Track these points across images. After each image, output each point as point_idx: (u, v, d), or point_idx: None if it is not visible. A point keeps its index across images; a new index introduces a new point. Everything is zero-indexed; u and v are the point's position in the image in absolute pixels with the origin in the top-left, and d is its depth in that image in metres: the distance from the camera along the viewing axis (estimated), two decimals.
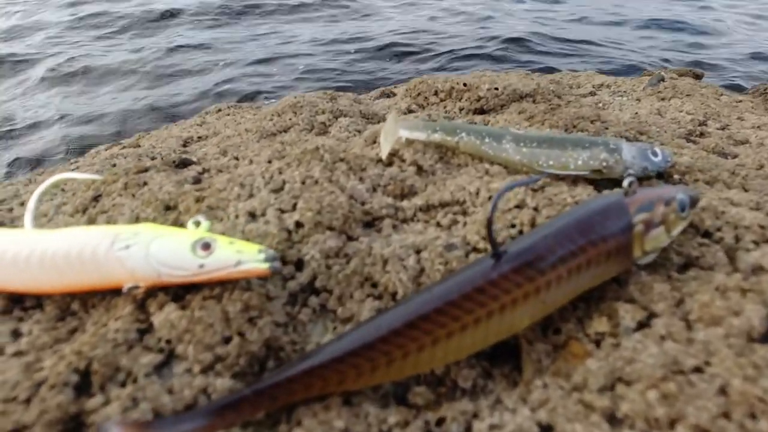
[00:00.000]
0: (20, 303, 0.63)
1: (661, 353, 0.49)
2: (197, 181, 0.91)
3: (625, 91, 1.96)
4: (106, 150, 1.68)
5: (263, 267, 0.57)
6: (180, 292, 0.59)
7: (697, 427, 0.42)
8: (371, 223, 0.78)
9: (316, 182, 0.80)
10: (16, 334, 0.58)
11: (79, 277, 0.58)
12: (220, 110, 2.03)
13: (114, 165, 1.24)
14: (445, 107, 1.49)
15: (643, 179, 0.87)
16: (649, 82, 1.96)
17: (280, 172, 0.83)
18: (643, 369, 0.48)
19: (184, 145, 1.48)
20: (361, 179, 0.85)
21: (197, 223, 0.62)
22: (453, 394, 0.55)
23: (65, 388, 0.48)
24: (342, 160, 0.87)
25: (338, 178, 0.82)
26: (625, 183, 0.62)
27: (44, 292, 0.61)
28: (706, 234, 0.70)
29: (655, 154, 0.88)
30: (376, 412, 0.50)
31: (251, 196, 0.78)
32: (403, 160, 0.91)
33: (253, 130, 1.33)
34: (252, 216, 0.73)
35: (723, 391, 0.45)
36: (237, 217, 0.73)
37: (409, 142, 0.95)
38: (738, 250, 0.67)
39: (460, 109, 1.44)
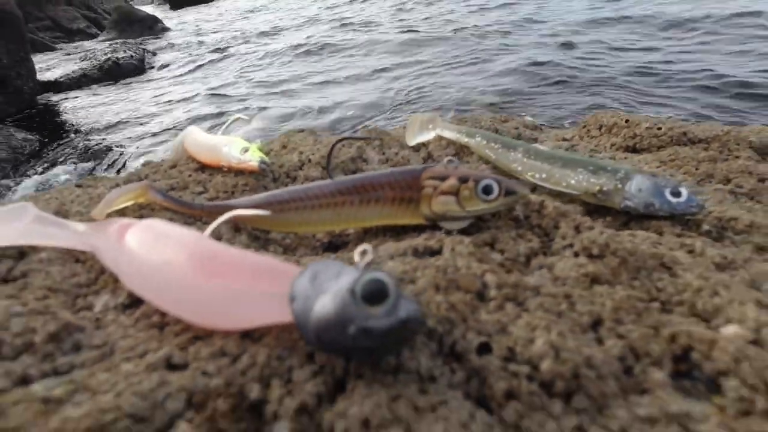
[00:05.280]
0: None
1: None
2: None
3: None
4: None
5: (254, 164, 1.08)
6: (233, 173, 1.16)
7: None
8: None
9: (348, 149, 1.23)
10: None
11: (212, 156, 1.23)
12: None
13: None
14: (598, 142, 1.52)
15: (652, 217, 0.81)
16: None
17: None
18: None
19: None
20: (383, 153, 1.21)
21: (257, 144, 1.18)
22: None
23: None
24: (381, 140, 1.25)
25: (365, 150, 1.22)
26: (445, 160, 0.80)
27: (205, 162, 1.28)
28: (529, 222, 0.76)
29: (676, 194, 0.78)
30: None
31: (312, 145, 1.28)
32: (427, 149, 1.21)
33: None
34: (300, 153, 1.23)
35: None
36: (295, 153, 1.24)
37: (440, 138, 1.22)
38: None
39: (611, 145, 1.44)
